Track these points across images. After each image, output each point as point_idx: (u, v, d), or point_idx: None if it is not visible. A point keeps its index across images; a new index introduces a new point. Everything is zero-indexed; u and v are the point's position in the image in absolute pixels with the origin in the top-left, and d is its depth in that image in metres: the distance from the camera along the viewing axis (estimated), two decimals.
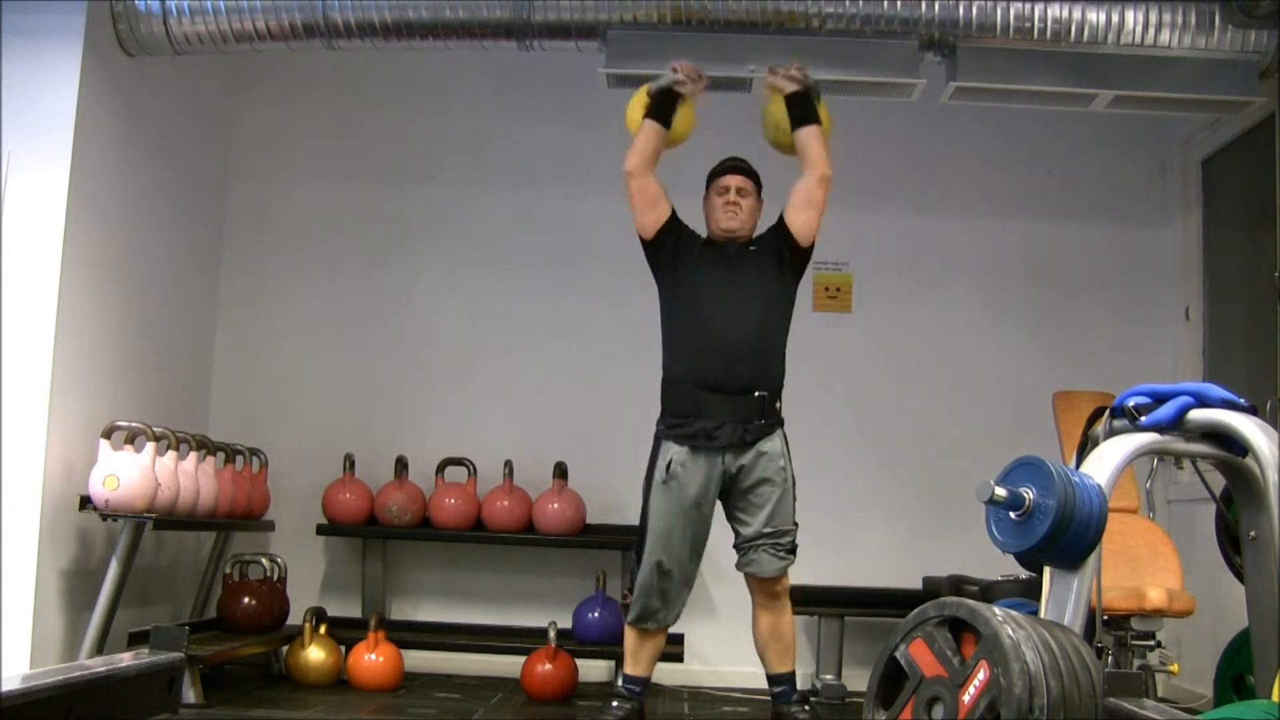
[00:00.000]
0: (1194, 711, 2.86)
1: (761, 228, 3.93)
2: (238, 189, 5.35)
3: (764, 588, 3.75)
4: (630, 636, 3.79)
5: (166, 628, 2.64)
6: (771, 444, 3.73)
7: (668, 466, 3.69)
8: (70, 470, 3.92)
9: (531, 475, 4.97)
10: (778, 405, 3.78)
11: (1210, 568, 3.77)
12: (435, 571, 5.20)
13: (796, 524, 3.76)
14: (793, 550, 3.73)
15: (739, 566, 3.77)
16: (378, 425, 5.19)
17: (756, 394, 3.70)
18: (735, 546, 3.77)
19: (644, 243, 3.87)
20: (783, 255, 3.82)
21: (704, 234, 3.92)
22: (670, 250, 3.83)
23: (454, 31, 4.09)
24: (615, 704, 3.75)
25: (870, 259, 5.31)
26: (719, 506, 3.80)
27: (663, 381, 3.82)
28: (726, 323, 3.72)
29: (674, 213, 3.86)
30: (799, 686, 3.88)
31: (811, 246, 3.86)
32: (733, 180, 3.86)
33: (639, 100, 3.95)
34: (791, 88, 3.85)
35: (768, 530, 3.69)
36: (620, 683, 3.84)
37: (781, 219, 3.86)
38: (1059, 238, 5.36)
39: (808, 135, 3.81)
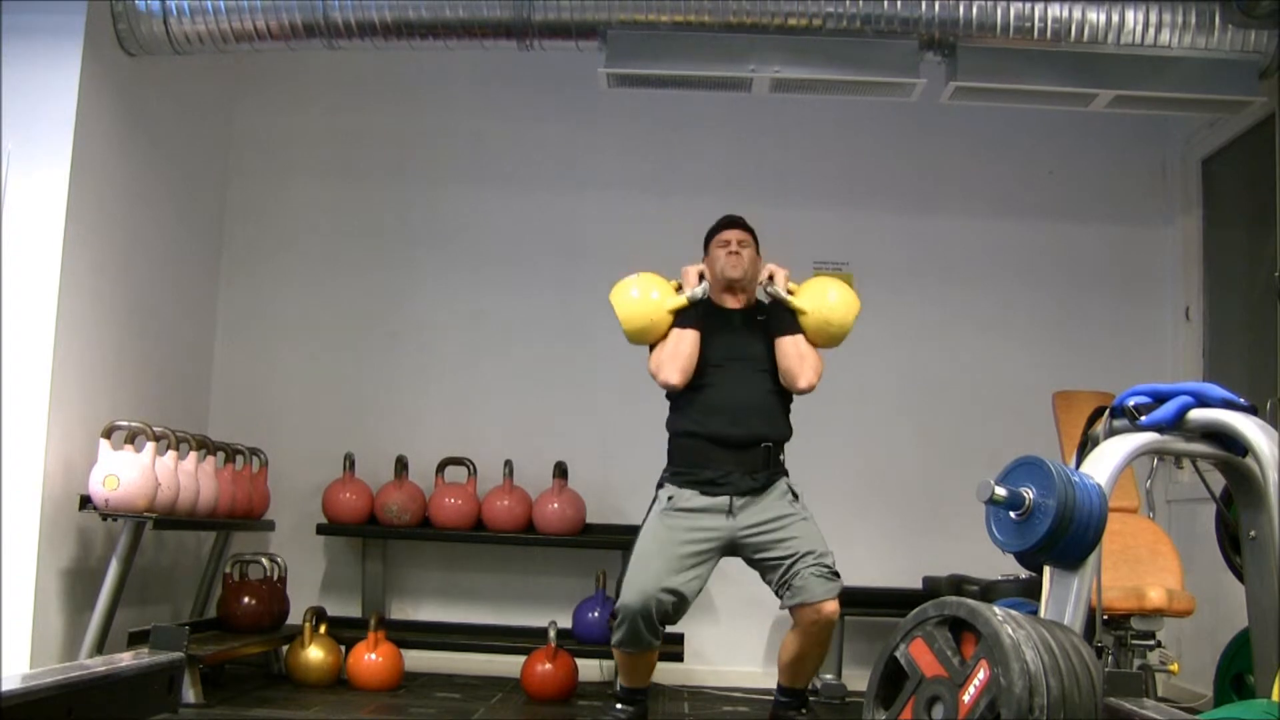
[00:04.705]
0: (1194, 711, 2.86)
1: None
2: (237, 189, 5.35)
3: (814, 613, 3.50)
4: (619, 656, 3.71)
5: (166, 627, 2.64)
6: (778, 487, 3.68)
7: (671, 497, 3.65)
8: (70, 470, 3.92)
9: (531, 475, 4.97)
10: (780, 457, 3.74)
11: (1210, 568, 3.77)
12: (435, 571, 5.20)
13: (830, 550, 3.60)
14: (837, 575, 3.56)
15: (785, 602, 3.57)
16: (378, 425, 5.19)
17: (762, 445, 3.67)
18: (777, 588, 3.59)
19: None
20: None
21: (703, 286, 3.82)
22: None
23: (454, 31, 4.09)
24: (619, 706, 3.72)
25: (870, 259, 5.31)
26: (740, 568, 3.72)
27: (669, 438, 3.78)
28: (732, 384, 3.70)
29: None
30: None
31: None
32: (732, 234, 3.83)
33: (635, 299, 3.79)
34: (768, 299, 3.81)
35: (804, 550, 3.55)
36: (619, 688, 3.80)
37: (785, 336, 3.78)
38: (1059, 238, 5.36)
39: (781, 349, 3.74)
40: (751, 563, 3.66)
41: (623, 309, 3.80)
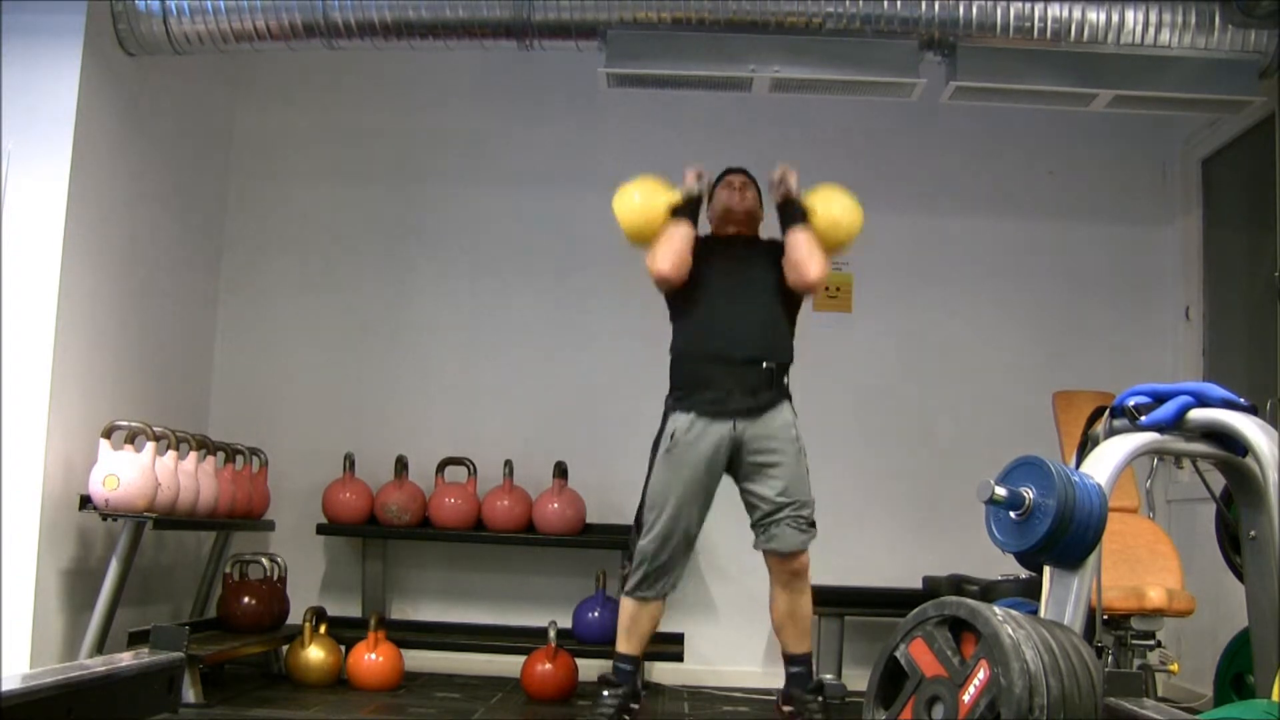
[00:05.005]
0: (1194, 711, 2.86)
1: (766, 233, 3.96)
2: (238, 189, 5.35)
3: (784, 565, 3.71)
4: (627, 607, 3.78)
5: (166, 627, 2.64)
6: (780, 414, 3.74)
7: (672, 435, 3.71)
8: (70, 470, 3.92)
9: (531, 475, 4.97)
10: (785, 380, 3.79)
11: (1210, 568, 3.77)
12: (435, 571, 5.20)
13: (813, 498, 3.74)
14: (813, 524, 3.71)
15: (758, 545, 3.73)
16: (378, 425, 5.19)
17: (764, 365, 3.72)
18: (753, 525, 3.74)
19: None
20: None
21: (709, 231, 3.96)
22: None
23: (454, 31, 4.09)
24: (606, 693, 3.73)
25: (870, 259, 5.29)
26: (731, 491, 3.78)
27: (671, 360, 3.85)
28: (733, 304, 3.77)
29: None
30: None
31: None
32: (736, 178, 4.01)
33: (637, 201, 3.89)
34: (777, 197, 3.90)
35: (786, 500, 3.67)
36: (612, 664, 3.82)
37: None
38: (1059, 238, 5.36)
39: (793, 240, 3.81)
40: (740, 488, 3.76)
41: (621, 208, 3.88)
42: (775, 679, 3.91)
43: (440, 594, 5.17)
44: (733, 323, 3.75)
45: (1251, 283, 4.64)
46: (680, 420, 3.72)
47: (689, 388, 3.75)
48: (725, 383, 3.70)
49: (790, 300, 3.86)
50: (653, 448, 3.78)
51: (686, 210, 3.83)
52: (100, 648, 3.76)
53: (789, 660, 3.81)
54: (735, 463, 3.73)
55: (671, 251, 3.76)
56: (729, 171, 4.04)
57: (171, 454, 4.03)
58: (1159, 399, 2.71)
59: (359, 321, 5.33)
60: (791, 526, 3.67)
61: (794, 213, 3.85)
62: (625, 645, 3.79)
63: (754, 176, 4.03)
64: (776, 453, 3.70)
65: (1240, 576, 2.90)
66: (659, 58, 4.05)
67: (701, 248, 3.85)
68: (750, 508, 3.76)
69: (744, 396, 3.69)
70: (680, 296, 3.84)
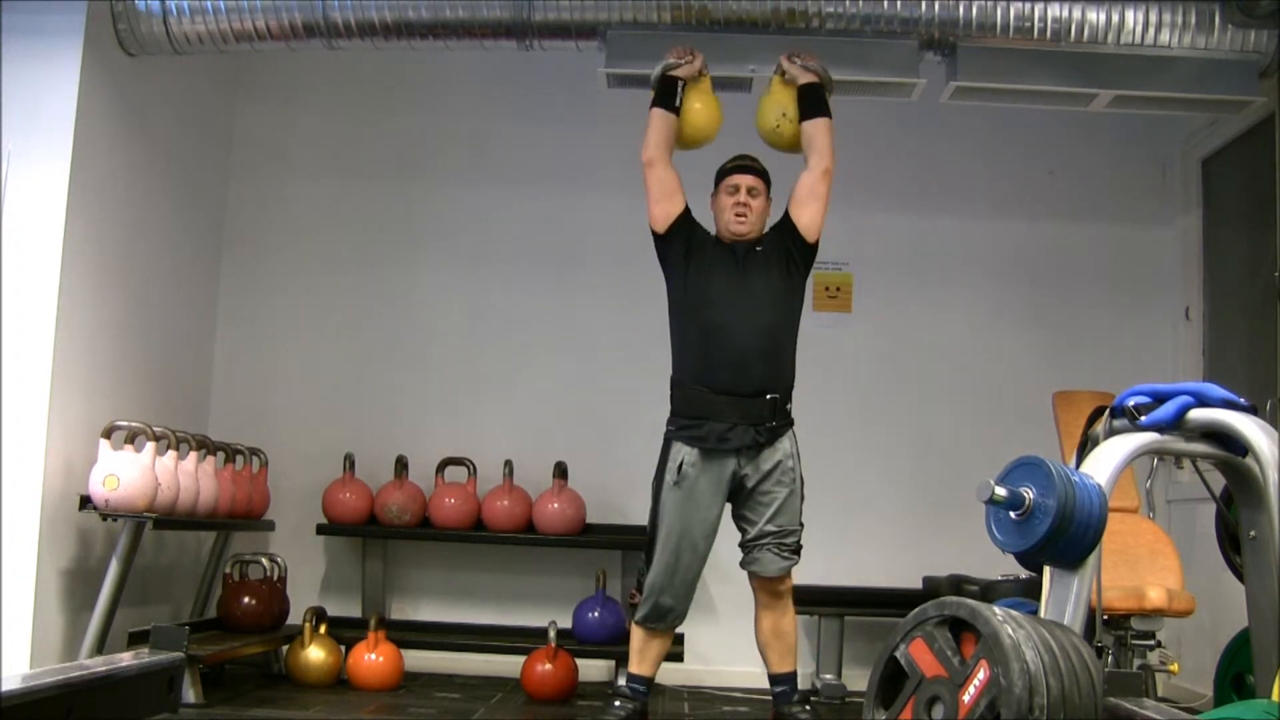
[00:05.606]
0: (1194, 711, 2.86)
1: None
2: (238, 188, 5.35)
3: (767, 587, 3.75)
4: (637, 635, 3.78)
5: (166, 627, 2.64)
6: (782, 447, 3.72)
7: (679, 468, 3.68)
8: (70, 470, 3.92)
9: (531, 475, 4.97)
10: (788, 406, 3.77)
11: (1210, 568, 3.77)
12: (435, 571, 5.20)
13: (802, 525, 3.75)
14: (797, 550, 3.73)
15: (743, 565, 3.77)
16: (378, 425, 5.19)
17: (768, 396, 3.68)
18: (740, 545, 3.77)
19: (655, 236, 3.83)
20: (790, 254, 3.80)
21: (714, 230, 3.91)
22: (682, 247, 3.80)
23: (454, 31, 4.09)
24: (618, 703, 3.74)
25: (870, 259, 5.31)
26: (726, 508, 3.79)
27: (672, 383, 3.80)
28: (737, 327, 3.70)
29: (687, 209, 3.84)
30: (800, 686, 3.88)
31: (818, 242, 3.84)
32: (743, 180, 3.82)
33: None
34: (808, 78, 3.89)
35: (772, 529, 3.69)
36: (624, 682, 3.84)
37: (787, 216, 3.84)
38: (1059, 238, 5.37)
39: (818, 127, 3.83)
40: (732, 511, 3.78)
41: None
42: None
43: (440, 594, 5.17)
44: (736, 350, 3.68)
45: (1251, 283, 4.64)
46: (686, 453, 3.69)
47: (693, 418, 3.70)
48: (730, 415, 3.66)
49: (793, 305, 3.82)
50: (655, 477, 3.75)
51: (659, 98, 3.86)
52: (100, 648, 3.76)
53: (774, 680, 3.82)
54: (735, 492, 3.74)
55: (648, 140, 3.83)
56: (736, 168, 3.85)
57: (171, 454, 4.03)
58: (1159, 399, 2.70)
59: (359, 321, 5.33)
60: (773, 553, 3.70)
61: (823, 104, 3.87)
62: (637, 667, 3.79)
63: (763, 170, 3.87)
64: (776, 484, 3.71)
65: (1240, 576, 2.90)
66: (659, 58, 4.04)
67: (703, 250, 3.80)
68: (739, 529, 3.78)
69: (747, 430, 3.66)
70: (681, 302, 3.80)
